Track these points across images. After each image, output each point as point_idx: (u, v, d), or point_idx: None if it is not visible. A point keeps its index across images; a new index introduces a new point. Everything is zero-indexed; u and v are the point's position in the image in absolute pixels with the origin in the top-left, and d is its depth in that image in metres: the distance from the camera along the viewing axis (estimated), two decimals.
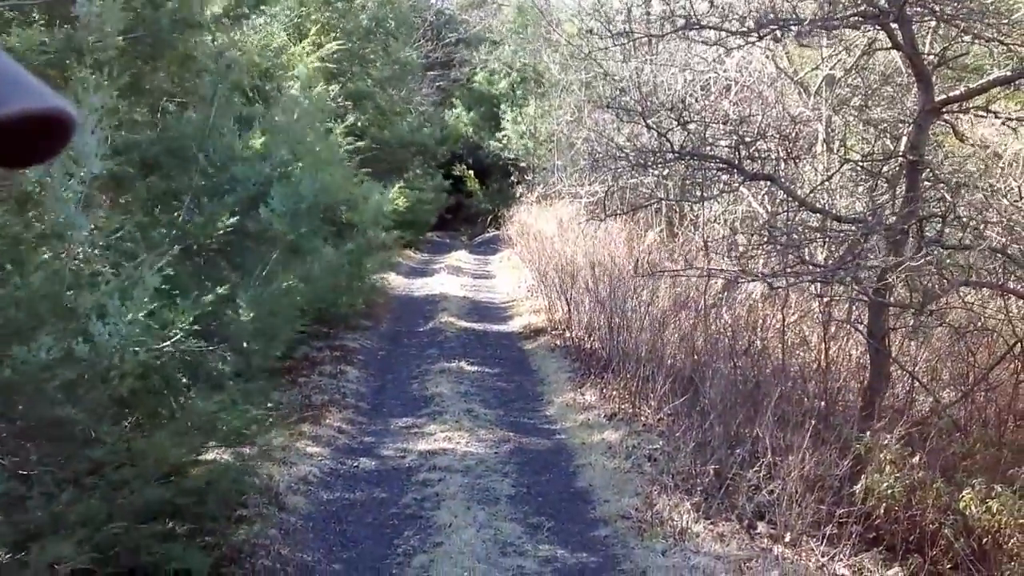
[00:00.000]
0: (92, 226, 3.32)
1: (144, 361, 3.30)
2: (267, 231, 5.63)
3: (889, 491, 4.63)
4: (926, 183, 5.71)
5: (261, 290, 4.92)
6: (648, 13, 11.21)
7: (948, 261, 5.69)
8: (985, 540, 4.45)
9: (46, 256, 3.15)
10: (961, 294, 5.89)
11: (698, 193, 8.46)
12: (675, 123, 6.46)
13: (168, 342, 3.52)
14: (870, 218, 5.66)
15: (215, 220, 4.50)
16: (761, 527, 5.12)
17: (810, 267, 5.80)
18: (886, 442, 4.80)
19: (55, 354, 2.91)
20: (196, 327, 3.77)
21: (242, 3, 5.75)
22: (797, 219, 6.29)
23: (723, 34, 5.84)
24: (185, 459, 3.79)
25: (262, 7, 6.75)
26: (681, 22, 6.05)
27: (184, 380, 3.90)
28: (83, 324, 3.16)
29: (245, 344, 4.23)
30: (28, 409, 3.03)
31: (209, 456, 4.56)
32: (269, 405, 5.56)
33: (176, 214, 4.61)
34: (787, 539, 4.94)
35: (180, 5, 4.24)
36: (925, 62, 5.40)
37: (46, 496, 3.03)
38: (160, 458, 3.40)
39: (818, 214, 6.06)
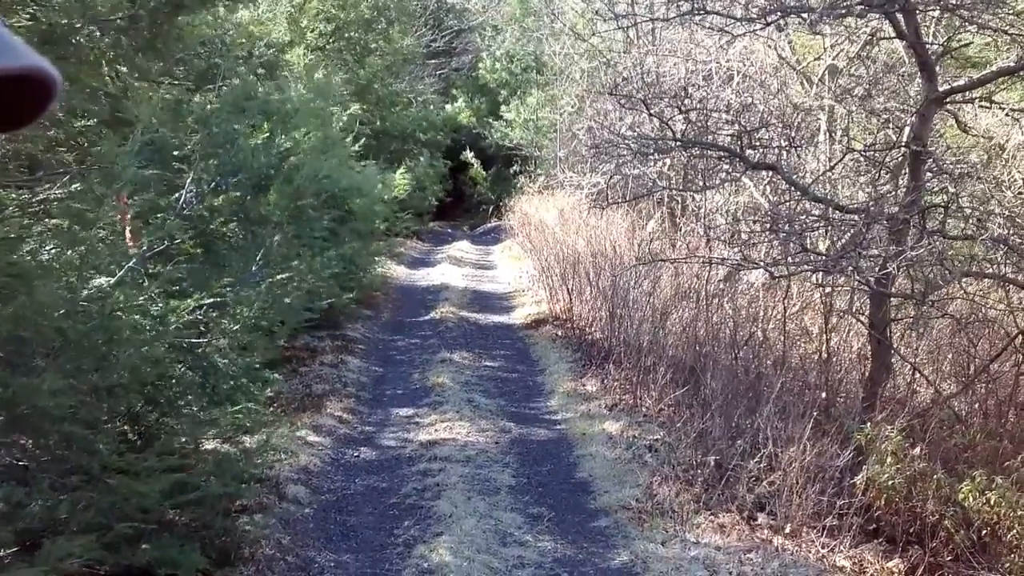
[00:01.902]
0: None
1: (141, 366, 3.27)
2: (269, 218, 5.62)
3: (890, 482, 4.62)
4: (928, 173, 5.69)
5: (263, 280, 4.90)
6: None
7: (950, 252, 5.67)
8: (984, 532, 4.44)
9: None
10: (963, 285, 5.86)
11: (700, 182, 8.43)
12: (677, 112, 6.43)
13: (169, 327, 3.49)
14: (872, 208, 5.64)
15: (218, 206, 4.48)
16: (761, 518, 5.12)
17: (812, 257, 5.78)
18: (887, 433, 4.78)
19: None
20: (198, 315, 3.75)
21: None
22: (799, 209, 6.26)
23: (728, 21, 5.81)
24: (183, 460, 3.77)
25: None
26: (686, 7, 6.01)
27: (184, 374, 3.87)
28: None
29: (246, 341, 4.20)
30: (31, 421, 3.01)
31: (209, 447, 4.56)
32: (269, 395, 5.55)
33: (177, 195, 4.58)
34: (787, 530, 4.94)
35: None
36: (929, 52, 5.37)
37: (44, 500, 3.01)
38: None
39: (820, 204, 6.03)
